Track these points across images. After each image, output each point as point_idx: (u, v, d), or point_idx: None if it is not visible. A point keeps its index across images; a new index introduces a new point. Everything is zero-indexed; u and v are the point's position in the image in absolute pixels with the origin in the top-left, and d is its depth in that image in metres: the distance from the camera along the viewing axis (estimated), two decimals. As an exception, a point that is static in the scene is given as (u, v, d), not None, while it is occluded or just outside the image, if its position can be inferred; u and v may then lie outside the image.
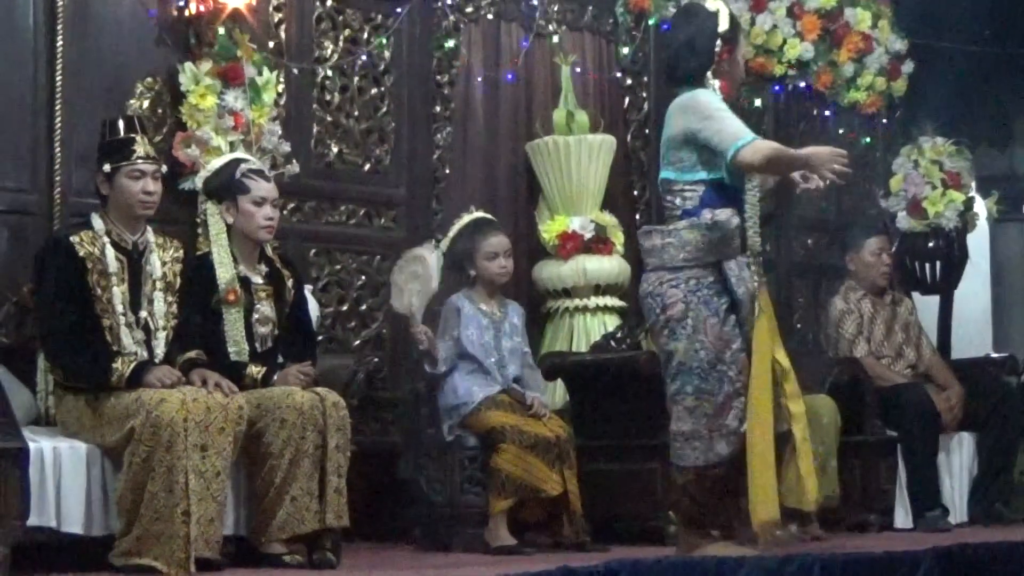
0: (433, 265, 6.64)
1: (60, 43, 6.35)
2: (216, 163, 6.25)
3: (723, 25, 5.71)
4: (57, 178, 6.31)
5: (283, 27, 7.08)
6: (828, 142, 7.27)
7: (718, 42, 5.68)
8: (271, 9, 7.02)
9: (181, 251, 5.88)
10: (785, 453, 5.76)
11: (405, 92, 7.51)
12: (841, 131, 9.21)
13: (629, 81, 8.41)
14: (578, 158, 7.77)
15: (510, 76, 7.94)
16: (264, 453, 5.63)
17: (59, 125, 6.33)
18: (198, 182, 6.35)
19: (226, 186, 6.06)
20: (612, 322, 7.66)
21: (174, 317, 5.74)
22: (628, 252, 8.00)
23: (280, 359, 6.01)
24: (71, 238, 5.61)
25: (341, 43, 7.31)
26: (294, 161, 6.72)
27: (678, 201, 5.66)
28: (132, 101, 6.53)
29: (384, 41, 7.40)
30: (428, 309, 6.64)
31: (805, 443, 5.79)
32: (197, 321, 5.84)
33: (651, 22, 8.33)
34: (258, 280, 6.05)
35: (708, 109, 5.58)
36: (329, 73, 7.26)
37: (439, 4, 7.64)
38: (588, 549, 6.39)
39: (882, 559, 5.77)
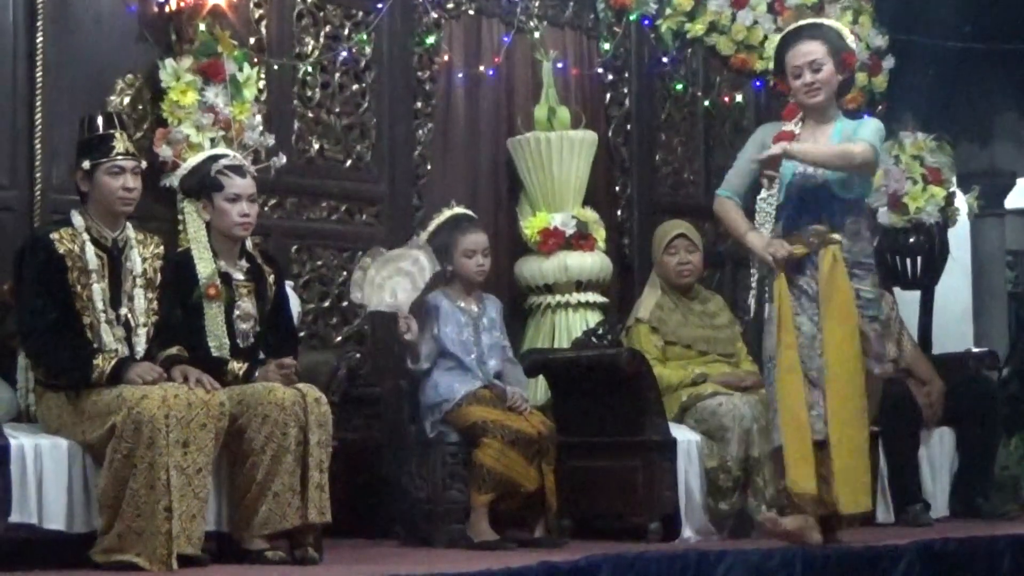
0: (427, 265, 6.63)
1: (40, 40, 6.33)
2: (192, 160, 6.24)
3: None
4: (37, 175, 6.29)
5: (264, 23, 7.07)
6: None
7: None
8: (252, 5, 7.00)
9: (161, 247, 5.85)
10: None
11: (386, 88, 7.50)
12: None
13: (610, 77, 8.40)
14: (559, 154, 7.77)
15: (491, 72, 7.93)
16: (246, 449, 5.62)
17: (39, 122, 6.31)
18: (176, 179, 6.35)
19: (201, 183, 6.06)
20: (594, 318, 7.66)
21: (155, 314, 5.72)
22: (610, 248, 8.01)
23: (262, 355, 6.00)
24: (51, 235, 5.59)
25: (322, 39, 7.30)
26: (280, 153, 6.69)
27: None
28: (112, 98, 6.51)
29: (365, 37, 7.39)
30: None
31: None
32: (178, 317, 5.82)
33: (632, 18, 8.34)
34: (239, 276, 6.04)
35: None
36: (310, 69, 7.25)
37: (420, 0, 7.64)
38: (563, 545, 6.38)
39: (863, 553, 5.80)
